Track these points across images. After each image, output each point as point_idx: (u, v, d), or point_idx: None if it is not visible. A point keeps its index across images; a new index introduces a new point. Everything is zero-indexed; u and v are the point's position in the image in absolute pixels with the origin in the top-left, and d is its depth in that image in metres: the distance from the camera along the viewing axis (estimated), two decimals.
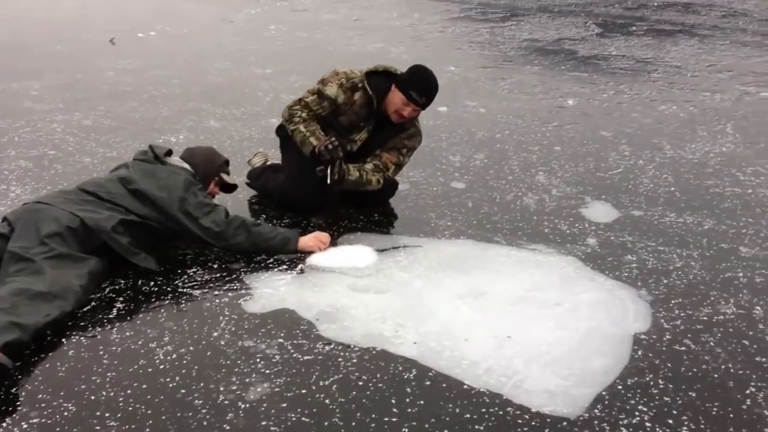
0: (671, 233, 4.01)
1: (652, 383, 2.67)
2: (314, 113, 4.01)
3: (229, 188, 4.03)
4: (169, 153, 3.78)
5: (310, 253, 3.61)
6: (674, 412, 2.52)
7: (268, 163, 4.46)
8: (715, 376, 2.73)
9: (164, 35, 9.64)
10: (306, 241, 3.64)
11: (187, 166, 3.74)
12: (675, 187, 4.70)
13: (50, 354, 2.79)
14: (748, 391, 2.64)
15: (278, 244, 3.58)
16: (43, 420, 2.43)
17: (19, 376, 2.64)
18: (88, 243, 3.25)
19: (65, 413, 2.46)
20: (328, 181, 3.88)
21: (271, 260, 3.55)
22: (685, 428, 2.44)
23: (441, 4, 13.03)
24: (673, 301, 3.27)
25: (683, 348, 2.91)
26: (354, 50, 8.99)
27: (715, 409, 2.54)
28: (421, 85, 3.95)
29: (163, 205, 3.46)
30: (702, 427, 2.45)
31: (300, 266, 3.51)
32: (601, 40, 9.86)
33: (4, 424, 2.41)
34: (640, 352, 2.87)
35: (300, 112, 4.00)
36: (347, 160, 4.01)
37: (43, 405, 2.50)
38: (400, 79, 3.98)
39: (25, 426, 2.40)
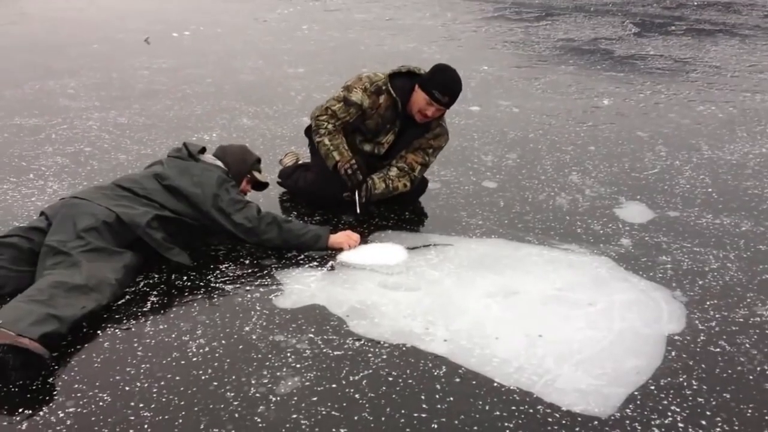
0: (708, 234, 3.95)
1: (685, 384, 2.64)
2: (342, 122, 3.99)
3: (261, 186, 4.06)
4: (203, 151, 3.82)
5: (341, 250, 3.62)
6: (708, 413, 2.48)
7: (300, 162, 4.49)
8: (751, 377, 2.69)
9: (198, 35, 9.74)
10: (336, 238, 3.66)
11: (220, 163, 3.77)
12: (712, 188, 4.64)
13: (86, 345, 2.83)
14: None
15: (309, 240, 3.60)
16: (79, 409, 2.47)
17: (56, 367, 2.68)
18: (124, 237, 3.29)
19: (100, 403, 2.50)
20: (357, 210, 3.94)
21: (302, 257, 3.57)
22: (718, 429, 2.41)
23: (474, 3, 12.99)
24: (708, 303, 3.22)
25: (718, 349, 2.87)
26: (386, 50, 8.99)
27: (750, 410, 2.50)
28: (443, 84, 3.91)
29: (197, 201, 3.50)
30: (736, 428, 2.42)
31: (330, 263, 3.53)
32: (639, 40, 9.75)
33: (42, 413, 2.45)
34: (673, 353, 2.83)
35: (326, 123, 3.98)
36: (376, 163, 4.06)
37: (78, 395, 2.54)
38: (422, 79, 3.95)
39: (61, 415, 2.44)
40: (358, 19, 11.22)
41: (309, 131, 4.29)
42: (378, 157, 4.11)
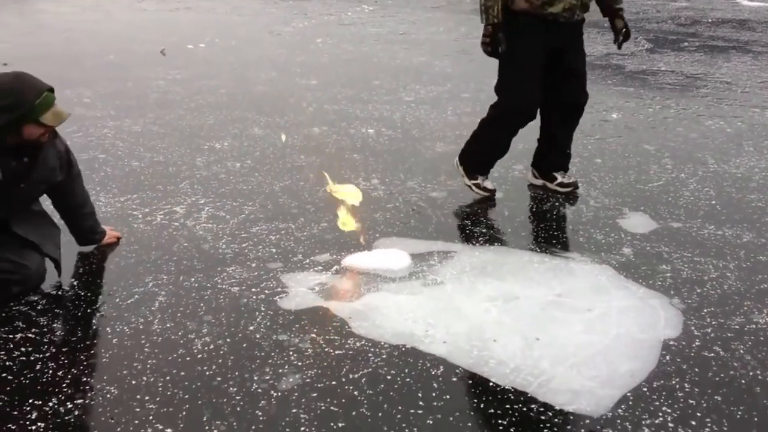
0: (709, 245, 4.00)
1: (678, 387, 2.69)
2: None
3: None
4: None
5: (346, 255, 3.70)
6: (698, 414, 2.53)
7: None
8: (743, 382, 2.74)
9: (213, 47, 9.88)
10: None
11: None
12: (716, 201, 4.68)
13: (95, 341, 2.94)
14: None
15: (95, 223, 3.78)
16: (87, 401, 2.57)
17: (65, 361, 2.78)
18: None
19: (108, 395, 2.60)
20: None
21: (307, 261, 3.66)
22: (707, 429, 2.46)
23: None
24: (705, 310, 3.27)
25: (712, 354, 2.92)
26: (398, 63, 9.09)
27: (739, 413, 2.55)
28: None
29: None
30: (725, 429, 2.46)
31: (335, 267, 3.61)
32: (651, 56, 9.79)
33: (51, 403, 2.55)
34: (668, 357, 2.89)
35: None
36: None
37: (87, 388, 2.64)
38: None
39: (70, 406, 2.54)
40: (371, 33, 11.33)
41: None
42: None
